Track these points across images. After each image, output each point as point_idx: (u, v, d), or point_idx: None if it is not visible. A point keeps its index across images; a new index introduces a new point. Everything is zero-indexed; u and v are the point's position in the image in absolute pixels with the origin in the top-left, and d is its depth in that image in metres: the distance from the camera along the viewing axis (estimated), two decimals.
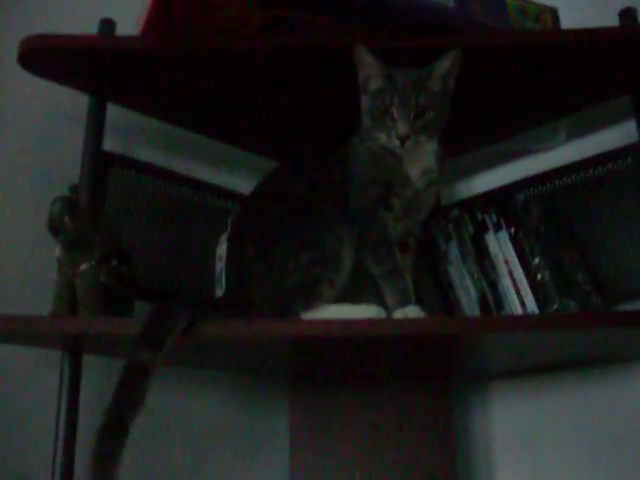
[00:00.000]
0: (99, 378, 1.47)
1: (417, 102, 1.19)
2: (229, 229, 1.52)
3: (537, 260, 1.37)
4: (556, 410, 1.62)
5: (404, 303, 1.20)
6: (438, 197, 1.73)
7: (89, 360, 1.37)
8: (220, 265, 1.55)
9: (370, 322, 1.16)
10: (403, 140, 1.19)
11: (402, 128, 1.19)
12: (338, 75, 1.36)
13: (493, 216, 1.44)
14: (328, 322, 1.16)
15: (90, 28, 1.40)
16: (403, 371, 1.60)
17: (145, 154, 1.62)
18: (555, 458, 1.60)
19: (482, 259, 1.44)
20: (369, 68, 1.23)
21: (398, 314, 1.19)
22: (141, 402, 1.03)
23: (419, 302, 1.23)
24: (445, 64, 1.22)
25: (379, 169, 1.25)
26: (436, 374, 1.64)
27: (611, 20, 1.42)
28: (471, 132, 1.62)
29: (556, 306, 1.34)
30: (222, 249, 1.54)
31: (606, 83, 1.46)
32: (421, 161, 1.26)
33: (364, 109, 1.25)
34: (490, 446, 1.73)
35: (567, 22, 1.49)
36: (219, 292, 1.53)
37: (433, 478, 1.60)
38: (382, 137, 1.22)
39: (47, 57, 1.33)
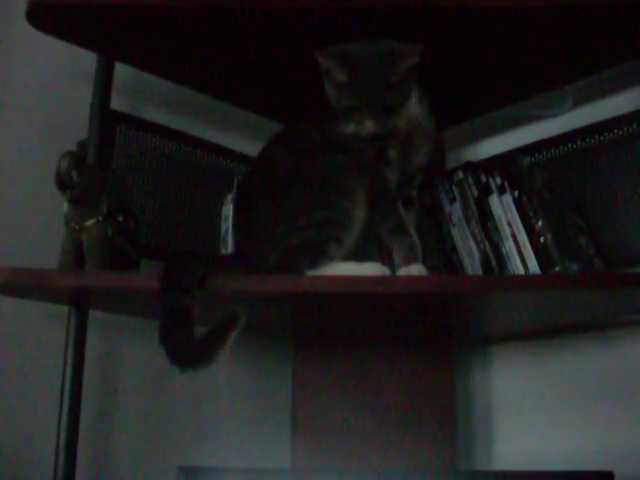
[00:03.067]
0: (105, 335, 1.50)
1: (383, 101, 1.20)
2: (235, 190, 1.53)
3: (540, 223, 1.37)
4: (555, 373, 1.63)
5: (410, 260, 1.21)
6: (443, 158, 1.74)
7: (95, 316, 1.39)
8: (225, 225, 1.56)
9: (374, 279, 1.17)
10: (372, 134, 1.21)
11: (370, 126, 1.21)
12: (344, 36, 1.36)
13: (497, 179, 1.44)
14: (333, 279, 1.17)
15: None
16: (406, 332, 1.61)
17: (152, 114, 1.63)
18: (554, 420, 1.62)
19: (485, 221, 1.44)
20: (329, 67, 1.22)
21: (402, 272, 1.20)
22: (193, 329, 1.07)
23: (422, 262, 1.24)
24: (410, 61, 1.21)
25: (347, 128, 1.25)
26: (438, 336, 1.66)
27: None
28: (477, 97, 1.62)
29: (558, 269, 1.34)
30: (227, 209, 1.55)
31: (613, 48, 1.44)
32: (406, 112, 1.26)
33: (329, 94, 1.25)
34: (490, 408, 1.75)
35: None
36: (224, 252, 1.54)
37: (433, 439, 1.62)
38: (350, 128, 1.23)
39: (55, 14, 1.32)
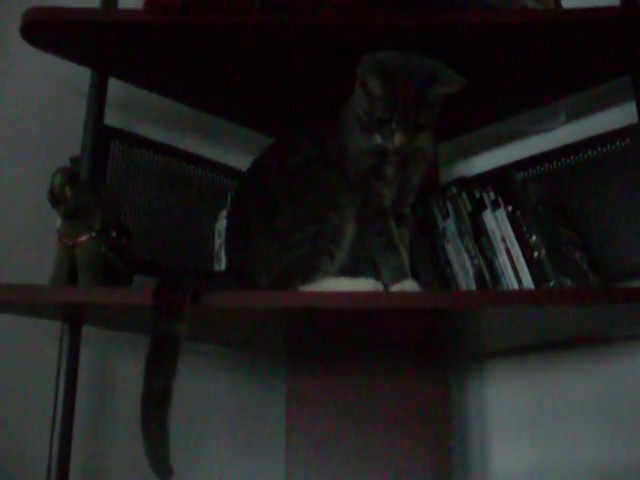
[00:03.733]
0: (98, 350, 1.49)
1: (416, 120, 1.20)
2: (229, 205, 1.53)
3: (534, 238, 1.37)
4: (551, 389, 1.63)
5: (400, 277, 1.21)
6: (436, 173, 1.74)
7: (88, 333, 1.39)
8: (219, 241, 1.56)
9: (367, 295, 1.17)
10: (398, 149, 1.22)
11: (399, 140, 1.21)
12: (334, 53, 1.38)
13: (491, 194, 1.45)
14: (327, 294, 1.17)
15: (93, 1, 1.40)
16: (399, 348, 1.61)
17: (146, 129, 1.63)
18: (548, 435, 1.62)
19: (479, 236, 1.44)
20: (371, 77, 1.20)
21: (395, 288, 1.20)
22: (175, 372, 1.04)
23: (415, 278, 1.24)
24: (449, 90, 1.21)
25: (370, 139, 1.25)
26: (432, 352, 1.66)
27: (612, 0, 1.42)
28: (470, 112, 1.63)
29: (552, 284, 1.34)
30: (221, 225, 1.55)
31: (606, 64, 1.46)
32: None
33: (359, 103, 1.24)
34: (485, 423, 1.74)
35: (568, 1, 1.49)
36: (218, 268, 1.54)
37: (428, 454, 1.61)
38: (377, 139, 1.23)
39: (49, 30, 1.33)
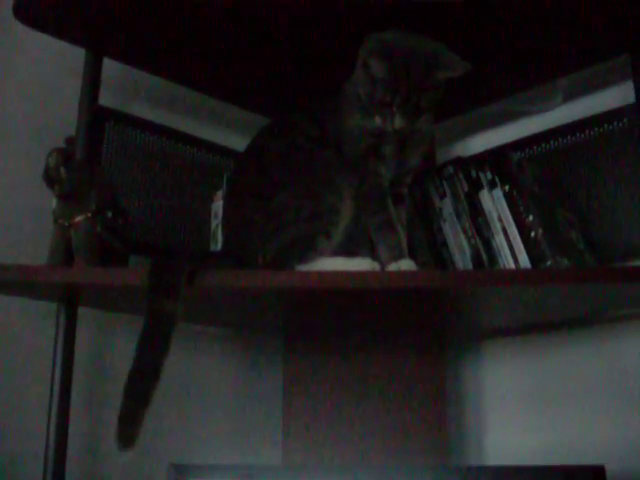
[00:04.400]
0: (94, 332, 1.49)
1: (417, 103, 1.20)
2: (225, 186, 1.52)
3: (531, 218, 1.37)
4: (547, 368, 1.63)
5: (397, 256, 1.21)
6: (433, 154, 1.74)
7: (84, 314, 1.38)
8: (215, 222, 1.55)
9: (364, 274, 1.17)
10: (397, 131, 1.22)
11: (399, 123, 1.21)
12: (332, 33, 1.38)
13: (488, 174, 1.44)
14: (323, 273, 1.17)
15: None
16: (396, 328, 1.61)
17: (141, 110, 1.62)
18: (545, 416, 1.62)
19: (476, 216, 1.44)
20: (374, 57, 1.20)
21: (392, 267, 1.20)
22: (167, 352, 1.05)
23: (413, 258, 1.24)
24: (452, 74, 1.21)
25: (370, 120, 1.25)
26: (429, 332, 1.66)
27: None
28: (467, 92, 1.62)
29: (549, 263, 1.34)
30: (217, 206, 1.55)
31: (604, 43, 1.45)
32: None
33: (361, 84, 1.24)
34: (482, 404, 1.75)
35: None
36: (214, 248, 1.54)
37: (424, 435, 1.62)
38: (378, 120, 1.23)
39: (42, 8, 1.32)
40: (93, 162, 1.42)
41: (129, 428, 1.01)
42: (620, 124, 1.52)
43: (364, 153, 1.26)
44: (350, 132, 1.27)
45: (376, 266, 1.21)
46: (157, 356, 1.04)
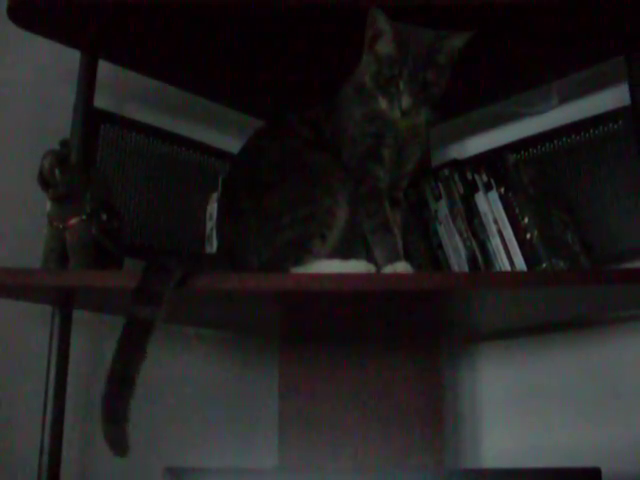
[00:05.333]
0: (89, 335, 1.49)
1: (425, 78, 1.20)
2: (220, 188, 1.52)
3: (526, 220, 1.37)
4: (542, 371, 1.64)
5: (393, 259, 1.21)
6: (428, 156, 1.74)
7: (79, 317, 1.38)
8: (210, 224, 1.55)
9: (360, 276, 1.17)
10: (405, 113, 1.20)
11: (406, 102, 1.19)
12: (326, 33, 1.37)
13: (483, 176, 1.44)
14: (318, 276, 1.17)
15: None
16: (392, 331, 1.61)
17: (136, 112, 1.62)
18: (541, 418, 1.62)
19: (472, 218, 1.44)
20: (380, 32, 1.21)
21: (387, 269, 1.20)
22: (143, 357, 1.05)
23: (408, 260, 1.24)
24: (457, 43, 1.22)
25: (371, 121, 1.26)
26: (425, 334, 1.66)
27: None
28: (463, 95, 1.62)
29: (545, 265, 1.34)
30: (212, 207, 1.55)
31: (599, 45, 1.45)
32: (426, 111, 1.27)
33: (367, 68, 1.24)
34: (478, 406, 1.75)
35: None
36: (209, 251, 1.53)
37: (421, 436, 1.62)
38: (384, 103, 1.22)
39: (36, 11, 1.32)
40: (88, 164, 1.41)
41: (118, 434, 1.02)
42: (615, 126, 1.52)
43: (363, 155, 1.26)
44: (349, 133, 1.27)
45: (372, 268, 1.20)
46: (131, 364, 1.05)
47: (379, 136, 1.26)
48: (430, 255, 1.50)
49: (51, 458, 1.28)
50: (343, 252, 1.24)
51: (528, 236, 1.37)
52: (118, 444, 1.02)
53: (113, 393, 1.03)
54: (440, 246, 1.49)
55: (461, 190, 1.47)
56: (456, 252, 1.46)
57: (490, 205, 1.42)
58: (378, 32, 1.21)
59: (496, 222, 1.41)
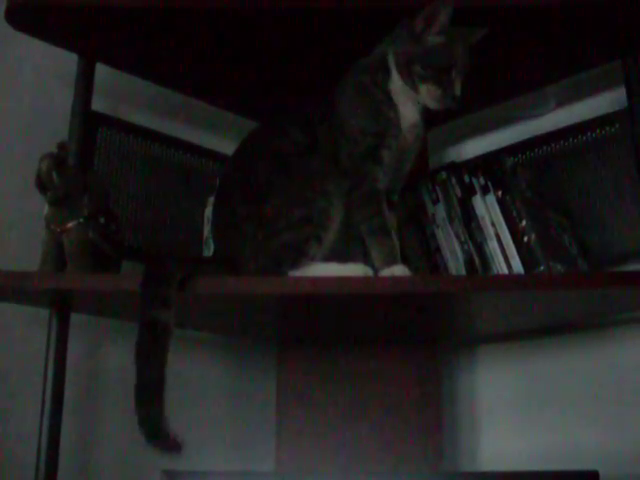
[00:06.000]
0: (86, 338, 1.49)
1: (467, 68, 1.27)
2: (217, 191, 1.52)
3: (524, 223, 1.37)
4: (540, 374, 1.63)
5: (391, 262, 1.21)
6: (426, 159, 1.74)
7: (77, 320, 1.38)
8: (208, 227, 1.55)
9: (358, 280, 1.17)
10: (456, 99, 1.26)
11: (458, 89, 1.26)
12: (320, 36, 1.38)
13: (481, 179, 1.44)
14: (316, 280, 1.17)
15: None
16: (390, 334, 1.61)
17: (134, 115, 1.62)
18: (539, 421, 1.62)
19: (469, 221, 1.44)
20: (438, 23, 1.24)
21: (385, 272, 1.20)
22: (166, 358, 1.06)
23: (406, 263, 1.24)
24: (478, 36, 1.30)
25: (374, 119, 1.27)
26: (423, 337, 1.65)
27: None
28: (460, 98, 1.62)
29: (542, 268, 1.34)
30: (210, 211, 1.54)
31: (596, 49, 1.46)
32: (413, 114, 1.29)
33: (416, 58, 1.26)
34: (476, 409, 1.74)
35: None
36: (207, 254, 1.53)
37: (419, 440, 1.62)
38: (437, 92, 1.26)
39: (34, 14, 1.32)
40: (85, 167, 1.42)
41: (162, 435, 1.04)
42: (612, 129, 1.53)
43: (362, 155, 1.26)
44: (348, 132, 1.28)
45: (369, 272, 1.20)
46: (157, 365, 1.05)
47: (380, 135, 1.26)
48: (427, 258, 1.50)
49: (48, 461, 1.27)
50: (339, 255, 1.24)
51: (525, 239, 1.37)
52: (170, 445, 1.05)
53: (147, 400, 1.03)
54: (438, 249, 1.49)
55: (458, 193, 1.47)
56: (453, 255, 1.46)
57: (487, 208, 1.42)
58: (433, 22, 1.24)
59: (493, 225, 1.41)
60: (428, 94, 1.26)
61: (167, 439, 1.03)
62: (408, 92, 1.28)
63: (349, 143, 1.27)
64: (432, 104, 1.28)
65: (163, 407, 1.03)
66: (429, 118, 1.34)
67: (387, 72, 1.29)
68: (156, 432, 1.02)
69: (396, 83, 1.28)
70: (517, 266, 1.37)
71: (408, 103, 1.29)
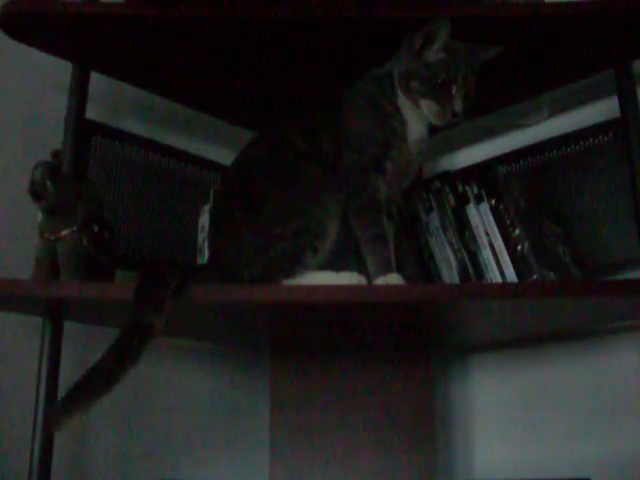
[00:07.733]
0: (79, 346, 1.48)
1: (470, 84, 1.26)
2: (211, 200, 1.52)
3: (517, 232, 1.37)
4: (534, 383, 1.64)
5: (385, 270, 1.21)
6: (420, 169, 1.74)
7: (70, 329, 1.37)
8: (202, 235, 1.55)
9: (352, 288, 1.17)
10: (456, 115, 1.25)
11: (458, 105, 1.25)
12: (320, 46, 1.38)
13: (474, 188, 1.44)
14: (310, 288, 1.17)
15: None
16: (384, 343, 1.61)
17: (128, 124, 1.62)
18: (533, 429, 1.62)
19: (463, 230, 1.44)
20: (434, 39, 1.24)
21: (379, 281, 1.20)
22: (135, 364, 1.02)
23: (400, 272, 1.24)
24: (490, 54, 1.29)
25: (381, 130, 1.28)
26: (416, 346, 1.65)
27: None
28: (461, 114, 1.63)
29: (536, 277, 1.34)
30: (204, 219, 1.55)
31: (589, 58, 1.47)
32: (421, 129, 1.31)
33: (414, 74, 1.26)
34: (469, 418, 1.75)
35: None
36: (200, 262, 1.53)
37: (412, 448, 1.61)
38: (435, 108, 1.26)
39: (29, 22, 1.32)
40: (79, 176, 1.42)
41: (65, 413, 0.98)
42: (605, 138, 1.53)
43: (366, 165, 1.27)
44: (354, 142, 1.28)
45: (363, 280, 1.21)
46: (124, 362, 1.01)
47: (387, 146, 1.27)
48: (421, 267, 1.50)
49: (41, 468, 1.27)
50: (334, 264, 1.25)
51: (519, 248, 1.37)
52: (55, 419, 1.00)
53: (88, 382, 1.00)
54: (431, 258, 1.49)
55: (452, 202, 1.47)
56: (447, 264, 1.46)
57: (481, 217, 1.42)
58: (432, 38, 1.25)
59: (487, 234, 1.41)
60: (427, 110, 1.27)
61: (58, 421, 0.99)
62: (413, 108, 1.29)
63: (354, 151, 1.28)
64: (433, 119, 1.28)
65: (86, 408, 0.99)
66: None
67: (393, 87, 1.30)
68: (57, 422, 1.00)
69: (402, 98, 1.30)
70: (511, 275, 1.37)
71: (415, 118, 1.30)
